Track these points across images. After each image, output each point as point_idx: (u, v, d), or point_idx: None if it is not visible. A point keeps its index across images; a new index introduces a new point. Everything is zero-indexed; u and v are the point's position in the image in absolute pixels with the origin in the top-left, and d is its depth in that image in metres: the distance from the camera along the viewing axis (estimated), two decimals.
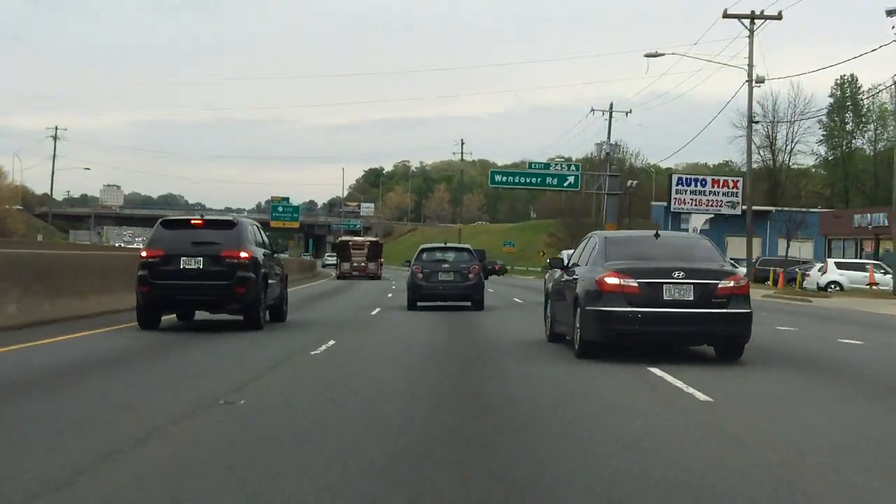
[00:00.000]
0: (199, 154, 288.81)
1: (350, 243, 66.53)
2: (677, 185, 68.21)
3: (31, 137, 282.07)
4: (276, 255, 20.53)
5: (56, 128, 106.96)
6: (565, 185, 62.99)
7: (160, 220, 18.57)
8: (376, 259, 64.38)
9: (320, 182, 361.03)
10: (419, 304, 26.74)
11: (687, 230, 58.21)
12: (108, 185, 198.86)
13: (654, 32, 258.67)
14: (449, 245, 30.15)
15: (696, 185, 68.01)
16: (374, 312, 25.06)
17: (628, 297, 12.92)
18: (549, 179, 62.58)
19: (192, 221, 18.23)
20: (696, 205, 66.42)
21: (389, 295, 36.34)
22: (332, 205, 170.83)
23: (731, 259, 27.30)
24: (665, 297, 12.93)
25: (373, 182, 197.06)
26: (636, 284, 12.94)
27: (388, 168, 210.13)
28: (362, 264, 63.89)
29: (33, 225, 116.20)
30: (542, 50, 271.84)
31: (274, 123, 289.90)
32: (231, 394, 9.67)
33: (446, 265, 27.10)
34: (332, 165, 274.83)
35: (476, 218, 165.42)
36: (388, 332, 18.67)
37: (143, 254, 17.84)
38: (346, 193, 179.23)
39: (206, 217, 18.98)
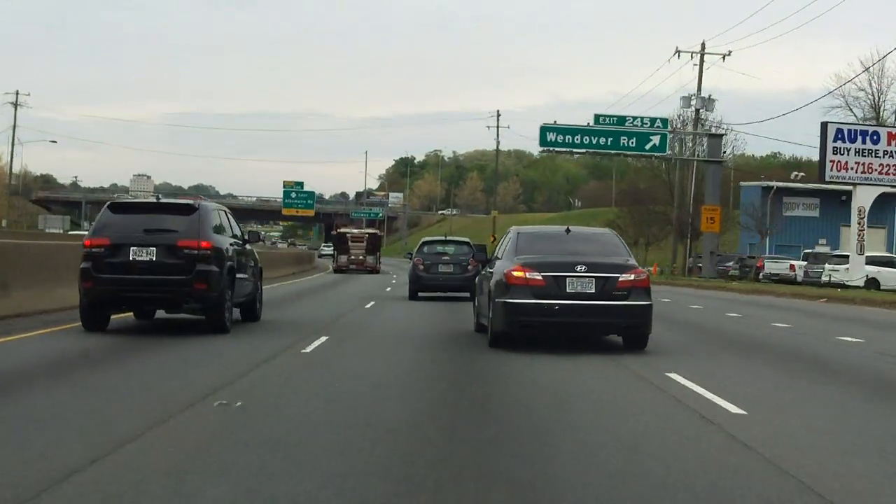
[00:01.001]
0: (233, 146, 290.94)
1: (348, 235, 63.09)
2: (836, 139, 44.77)
3: (65, 126, 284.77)
4: (247, 244, 17.69)
5: (17, 92, 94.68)
6: (647, 147, 47.11)
7: (107, 203, 15.94)
8: (375, 252, 61.58)
9: (353, 175, 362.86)
10: (420, 294, 27.85)
11: (851, 211, 46.80)
12: (139, 175, 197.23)
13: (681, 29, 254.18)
14: (449, 238, 31.51)
15: (864, 141, 44.88)
16: (368, 306, 24.75)
17: (533, 290, 13.63)
18: (624, 140, 46.77)
19: (145, 204, 16.21)
20: (864, 171, 44.80)
21: (388, 289, 34.87)
22: (361, 196, 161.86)
23: None
24: (568, 290, 13.60)
25: (403, 172, 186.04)
26: (541, 277, 13.64)
27: (419, 158, 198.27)
28: (360, 257, 60.63)
29: (28, 211, 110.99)
30: (578, 44, 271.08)
31: (308, 117, 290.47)
32: (210, 397, 9.07)
33: (446, 257, 28.37)
34: (364, 159, 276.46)
35: (511, 208, 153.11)
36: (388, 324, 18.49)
37: (86, 243, 15.15)
38: (377, 185, 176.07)
39: (162, 200, 17.02)
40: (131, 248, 14.65)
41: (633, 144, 47.20)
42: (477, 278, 17.75)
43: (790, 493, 6.13)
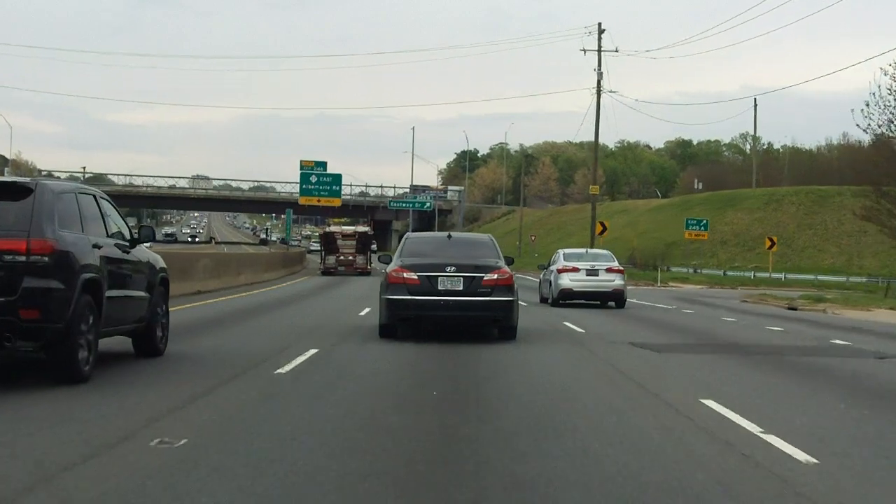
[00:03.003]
0: (296, 148, 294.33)
1: (336, 234, 57.51)
2: None
3: (131, 130, 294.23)
4: (137, 246, 12.70)
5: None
6: None
7: None
8: (366, 252, 56.37)
9: (416, 175, 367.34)
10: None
11: None
12: (197, 177, 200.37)
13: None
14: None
15: None
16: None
17: (410, 288, 15.92)
18: None
19: None
20: None
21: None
22: (417, 190, 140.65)
23: None
24: (439, 288, 15.91)
25: (464, 167, 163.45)
26: (416, 277, 15.95)
27: (482, 151, 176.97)
28: (350, 258, 55.17)
29: None
30: (636, 43, 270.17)
31: (372, 118, 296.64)
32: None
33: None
34: (428, 159, 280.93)
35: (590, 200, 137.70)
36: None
37: None
38: (436, 182, 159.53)
39: None
40: None
41: None
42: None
43: None
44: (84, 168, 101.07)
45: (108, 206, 12.13)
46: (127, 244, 12.31)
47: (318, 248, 67.77)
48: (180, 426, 7.96)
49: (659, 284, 54.25)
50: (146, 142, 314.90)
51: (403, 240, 17.82)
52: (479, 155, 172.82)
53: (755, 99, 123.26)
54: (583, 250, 32.99)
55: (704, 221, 67.95)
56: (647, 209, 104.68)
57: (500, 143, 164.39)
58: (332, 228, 61.12)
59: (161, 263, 13.73)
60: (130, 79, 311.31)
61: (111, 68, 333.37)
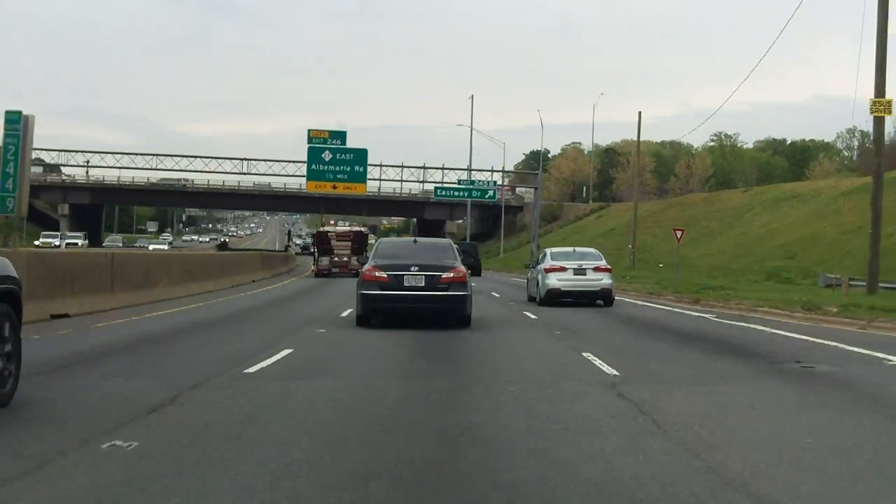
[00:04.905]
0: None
1: (330, 234, 55.39)
2: None
3: (198, 141, 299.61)
4: None
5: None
6: None
7: None
8: (362, 252, 49.11)
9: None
10: None
11: None
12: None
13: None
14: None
15: None
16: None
17: (380, 284, 19.00)
18: None
19: None
20: None
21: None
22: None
23: None
24: (405, 284, 19.00)
25: (534, 166, 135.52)
26: (386, 275, 19.05)
27: (553, 152, 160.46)
28: (344, 259, 53.07)
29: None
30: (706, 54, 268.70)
31: (437, 128, 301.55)
32: None
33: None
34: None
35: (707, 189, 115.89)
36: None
37: None
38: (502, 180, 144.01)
39: None
40: None
41: None
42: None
43: None
44: (87, 161, 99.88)
45: None
46: None
47: (300, 250, 64.44)
48: None
49: None
50: (217, 152, 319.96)
51: (377, 244, 21.17)
52: (549, 155, 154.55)
53: None
54: (570, 249, 32.70)
55: None
56: (836, 193, 68.83)
57: (574, 143, 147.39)
58: (326, 228, 59.16)
59: (7, 271, 9.11)
60: (200, 89, 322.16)
61: (181, 79, 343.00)
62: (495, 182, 76.76)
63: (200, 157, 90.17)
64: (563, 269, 28.88)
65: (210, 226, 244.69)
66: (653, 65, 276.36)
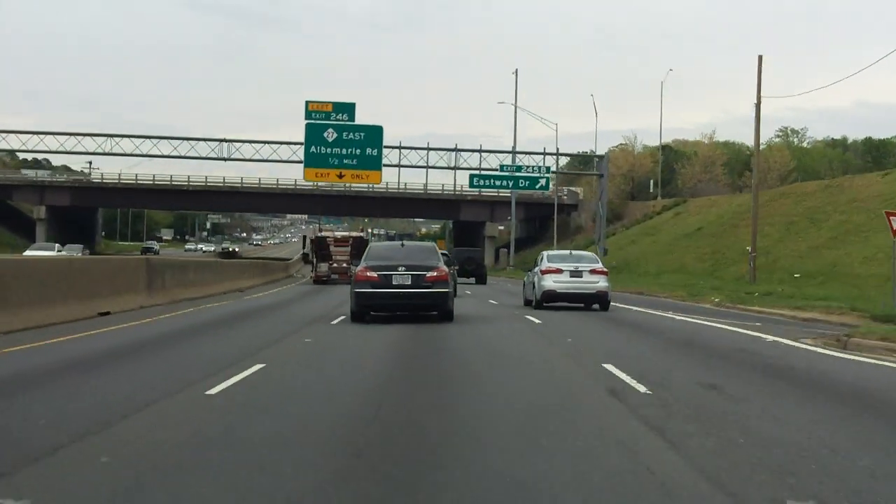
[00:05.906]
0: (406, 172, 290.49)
1: (329, 239, 52.70)
2: None
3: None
4: None
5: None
6: None
7: None
8: (360, 259, 48.99)
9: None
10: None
11: None
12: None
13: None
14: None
15: None
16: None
17: (372, 283, 21.07)
18: None
19: None
20: None
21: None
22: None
23: None
24: (394, 283, 21.09)
25: (586, 160, 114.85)
26: (377, 275, 21.14)
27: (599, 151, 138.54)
28: (344, 265, 50.23)
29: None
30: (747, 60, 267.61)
31: (481, 138, 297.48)
32: None
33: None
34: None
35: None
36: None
37: None
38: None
39: None
40: None
41: None
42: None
43: None
44: (90, 163, 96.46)
45: None
46: None
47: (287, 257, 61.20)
48: None
49: None
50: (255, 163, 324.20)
51: (368, 248, 23.46)
52: (595, 154, 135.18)
53: None
54: (566, 252, 32.44)
55: None
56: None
57: (621, 144, 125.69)
58: (324, 233, 55.58)
59: None
60: (244, 100, 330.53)
61: (225, 90, 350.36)
62: (548, 168, 63.73)
63: (166, 137, 66.70)
64: (559, 272, 28.71)
65: (242, 234, 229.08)
66: (688, 73, 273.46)
